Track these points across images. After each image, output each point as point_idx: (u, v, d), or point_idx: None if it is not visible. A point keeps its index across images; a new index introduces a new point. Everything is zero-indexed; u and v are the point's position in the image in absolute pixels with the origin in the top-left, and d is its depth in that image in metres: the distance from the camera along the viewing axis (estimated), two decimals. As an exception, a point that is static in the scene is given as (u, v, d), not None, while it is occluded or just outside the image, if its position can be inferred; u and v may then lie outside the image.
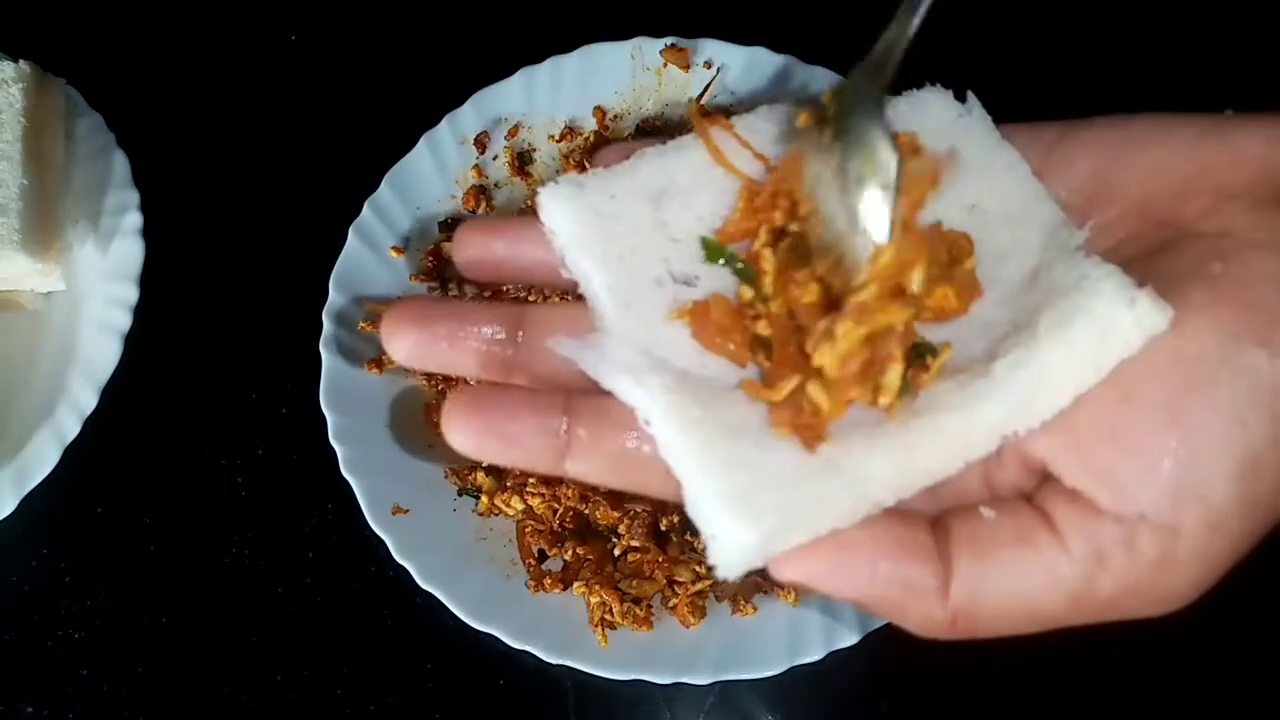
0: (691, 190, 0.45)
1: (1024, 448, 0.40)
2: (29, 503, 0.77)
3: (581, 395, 0.42)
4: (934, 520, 0.40)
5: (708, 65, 0.88)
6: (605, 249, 0.43)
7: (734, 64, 0.87)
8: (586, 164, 0.88)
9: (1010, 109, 0.47)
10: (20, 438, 0.78)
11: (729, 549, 0.38)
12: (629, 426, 0.40)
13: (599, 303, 0.43)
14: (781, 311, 0.43)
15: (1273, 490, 0.37)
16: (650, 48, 0.88)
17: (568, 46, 0.88)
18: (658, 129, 0.89)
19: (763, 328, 0.43)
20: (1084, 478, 0.38)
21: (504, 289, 0.80)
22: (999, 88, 0.49)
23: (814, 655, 0.69)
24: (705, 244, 0.44)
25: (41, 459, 0.77)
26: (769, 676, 0.69)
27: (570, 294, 0.45)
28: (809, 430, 0.40)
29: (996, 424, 0.39)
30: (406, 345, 0.42)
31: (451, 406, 0.41)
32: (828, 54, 0.84)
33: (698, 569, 0.74)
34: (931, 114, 0.47)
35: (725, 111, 0.45)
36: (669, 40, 0.88)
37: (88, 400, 0.78)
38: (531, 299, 0.78)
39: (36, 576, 0.80)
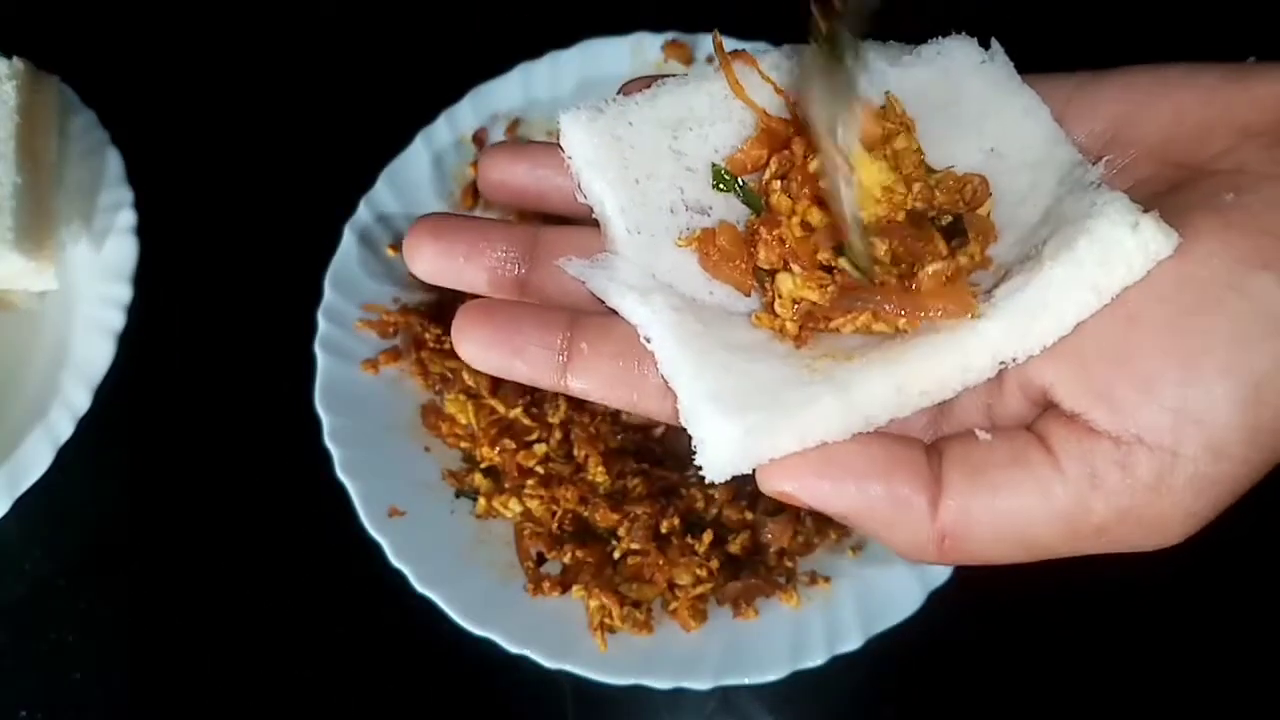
0: (710, 121, 0.46)
1: (1025, 374, 0.39)
2: (22, 505, 0.76)
3: (587, 314, 0.43)
4: (929, 446, 0.40)
5: (709, 60, 0.87)
6: (620, 173, 0.44)
7: (735, 59, 0.86)
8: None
9: (1036, 63, 0.46)
10: (13, 439, 0.77)
11: (715, 447, 0.38)
12: (630, 342, 0.42)
13: (610, 225, 0.44)
14: (785, 239, 0.43)
15: (1277, 419, 0.36)
16: (651, 43, 0.88)
17: (566, 42, 0.88)
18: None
19: (763, 256, 0.43)
20: (1083, 399, 0.37)
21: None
22: (1026, 42, 0.48)
23: (816, 659, 0.68)
24: (715, 170, 0.45)
25: (35, 460, 0.76)
26: (771, 681, 0.68)
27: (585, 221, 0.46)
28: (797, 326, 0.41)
29: (996, 346, 0.39)
30: (426, 259, 0.44)
31: (461, 316, 0.43)
32: (830, 49, 0.83)
33: (698, 572, 0.73)
34: (955, 59, 0.47)
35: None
36: (670, 35, 0.87)
37: (81, 401, 0.77)
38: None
39: (30, 579, 0.79)
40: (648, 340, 0.41)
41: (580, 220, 0.45)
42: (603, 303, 0.43)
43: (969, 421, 0.41)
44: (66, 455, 0.77)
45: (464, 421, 0.79)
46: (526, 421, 0.78)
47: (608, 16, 0.89)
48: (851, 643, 0.69)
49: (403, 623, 0.75)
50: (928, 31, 0.48)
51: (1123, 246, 0.37)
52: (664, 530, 0.74)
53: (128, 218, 0.83)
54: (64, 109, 0.87)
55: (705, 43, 0.87)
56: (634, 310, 0.41)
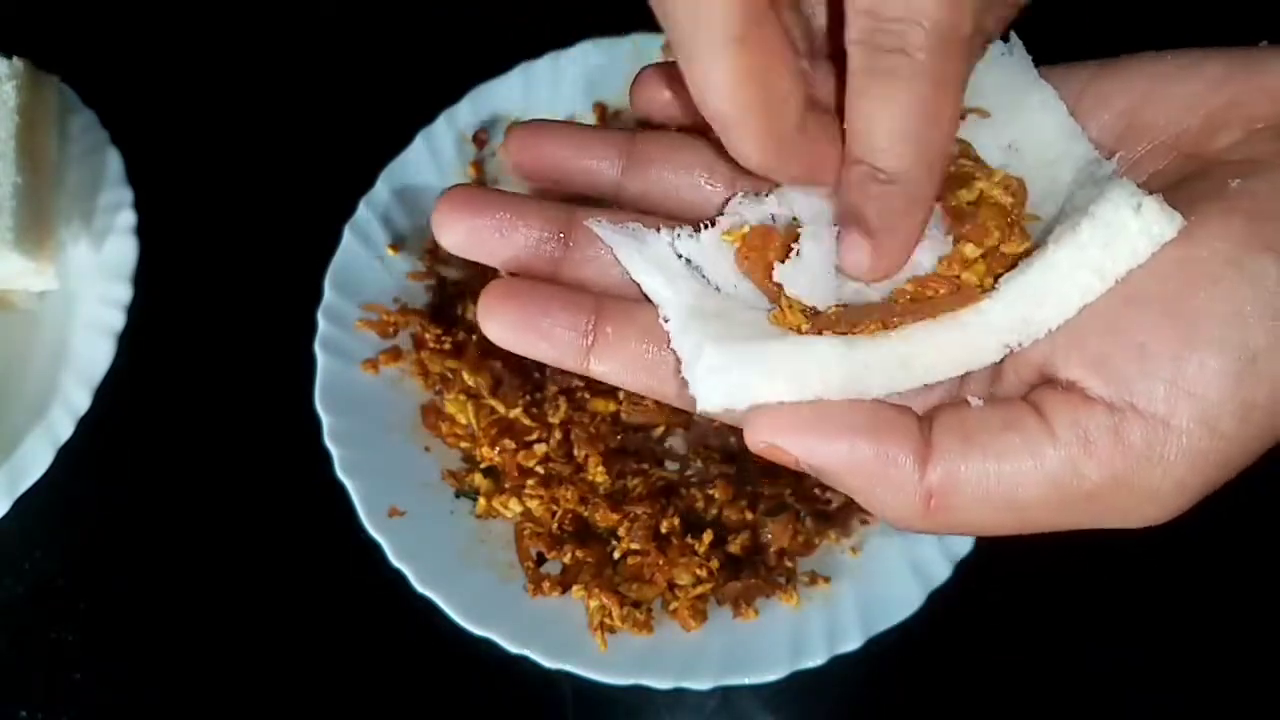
0: None
1: (1024, 353, 0.40)
2: (22, 505, 0.76)
3: (614, 300, 0.43)
4: (921, 416, 0.40)
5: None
6: None
7: (735, 59, 0.86)
8: None
9: (1054, 53, 0.46)
10: (13, 439, 0.77)
11: (705, 370, 0.39)
12: (654, 328, 0.42)
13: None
14: None
15: (1272, 398, 0.36)
16: (651, 43, 0.87)
17: (566, 42, 0.88)
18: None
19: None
20: (1077, 367, 0.38)
21: None
22: (1044, 31, 0.48)
23: (816, 659, 0.68)
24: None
25: (34, 461, 0.76)
26: (771, 681, 0.68)
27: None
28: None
29: (1000, 331, 0.39)
30: (459, 231, 0.43)
31: (488, 295, 0.42)
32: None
33: (698, 572, 0.73)
34: None
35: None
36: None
37: (81, 401, 0.77)
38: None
39: (29, 579, 0.79)
40: (665, 320, 0.41)
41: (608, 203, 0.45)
42: (631, 290, 0.43)
43: (962, 394, 0.41)
44: (66, 455, 0.77)
45: (464, 421, 0.79)
46: (526, 421, 0.78)
47: (608, 16, 0.89)
48: (851, 643, 0.69)
49: (403, 623, 0.75)
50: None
51: (1126, 229, 0.37)
52: (664, 530, 0.74)
53: (128, 218, 0.83)
54: (64, 109, 0.87)
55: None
56: (658, 291, 0.41)
